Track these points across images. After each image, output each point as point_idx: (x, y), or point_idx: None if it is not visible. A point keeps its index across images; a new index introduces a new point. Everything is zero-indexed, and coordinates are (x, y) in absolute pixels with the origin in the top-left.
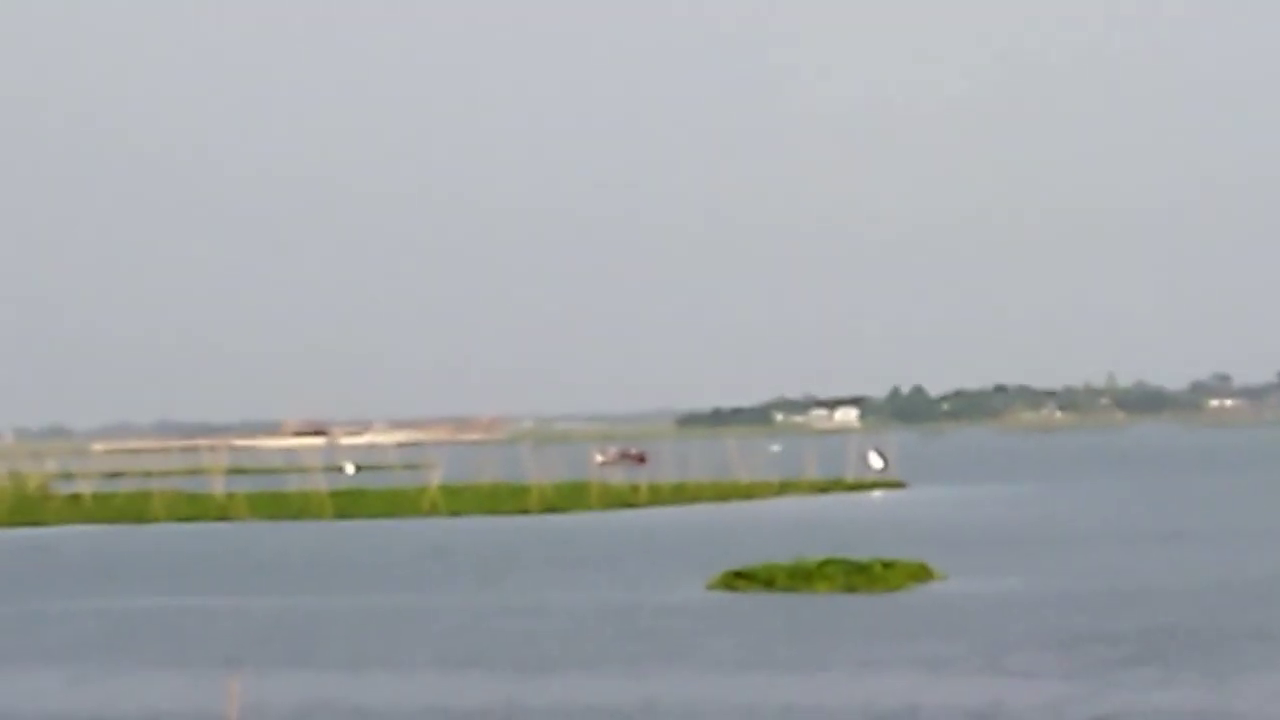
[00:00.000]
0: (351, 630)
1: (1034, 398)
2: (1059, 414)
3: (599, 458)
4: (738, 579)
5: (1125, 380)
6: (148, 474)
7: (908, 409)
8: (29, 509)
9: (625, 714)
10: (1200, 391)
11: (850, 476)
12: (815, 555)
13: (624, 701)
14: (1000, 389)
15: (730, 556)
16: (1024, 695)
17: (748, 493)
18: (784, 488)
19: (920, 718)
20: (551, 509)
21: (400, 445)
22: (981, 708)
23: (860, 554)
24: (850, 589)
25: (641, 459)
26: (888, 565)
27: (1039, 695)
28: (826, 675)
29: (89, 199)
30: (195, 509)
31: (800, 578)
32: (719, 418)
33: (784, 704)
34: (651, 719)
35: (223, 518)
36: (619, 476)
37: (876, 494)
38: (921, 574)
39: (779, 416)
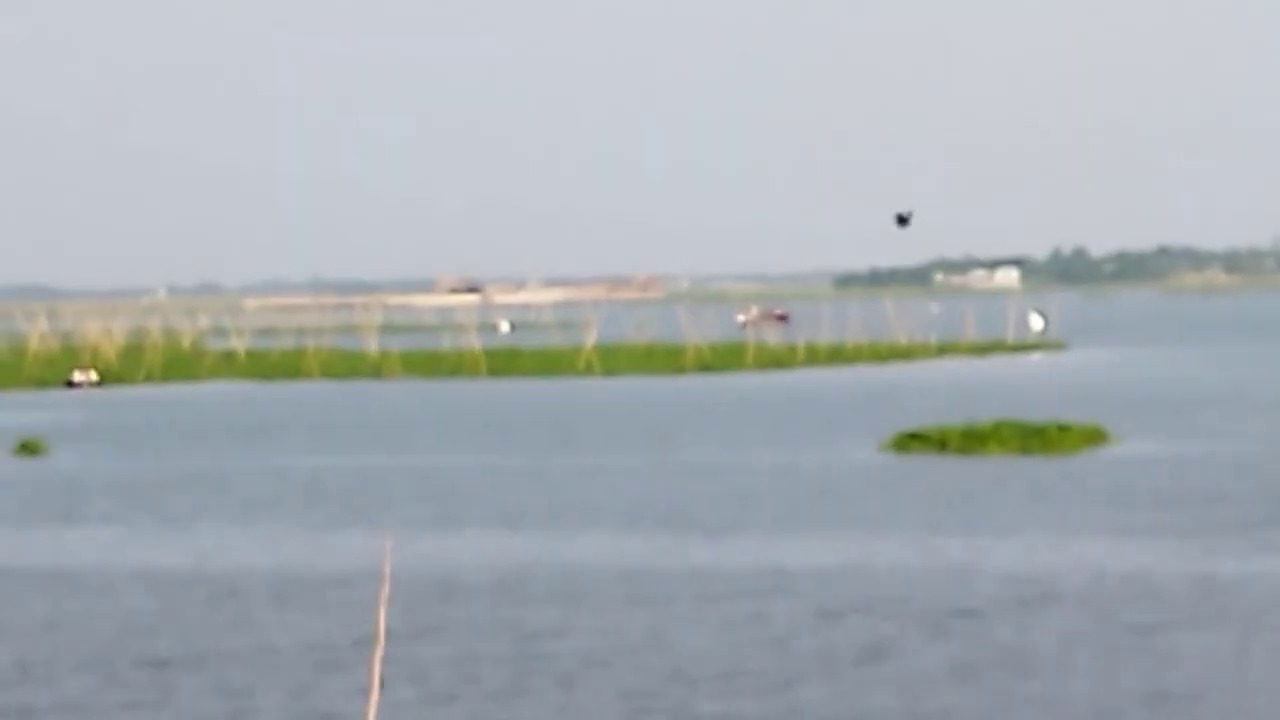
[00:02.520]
0: (519, 489)
1: (1198, 259)
2: (1223, 276)
3: (740, 317)
4: (911, 441)
5: None
6: (301, 331)
7: (1069, 270)
8: (182, 365)
9: (821, 575)
10: None
11: (1010, 338)
12: (980, 417)
13: (815, 563)
14: (1164, 250)
15: (895, 418)
16: (1217, 558)
17: (906, 354)
18: (943, 349)
19: (1111, 582)
20: (707, 369)
21: (555, 304)
22: (1173, 570)
23: (1024, 416)
24: (1025, 451)
25: (784, 318)
26: (1063, 428)
27: (1234, 558)
28: (1017, 540)
29: (245, 60)
30: (349, 367)
31: (974, 440)
32: (877, 278)
33: (990, 568)
34: (845, 581)
35: (376, 376)
36: (761, 336)
37: (1036, 356)
38: (1096, 437)
39: (938, 277)
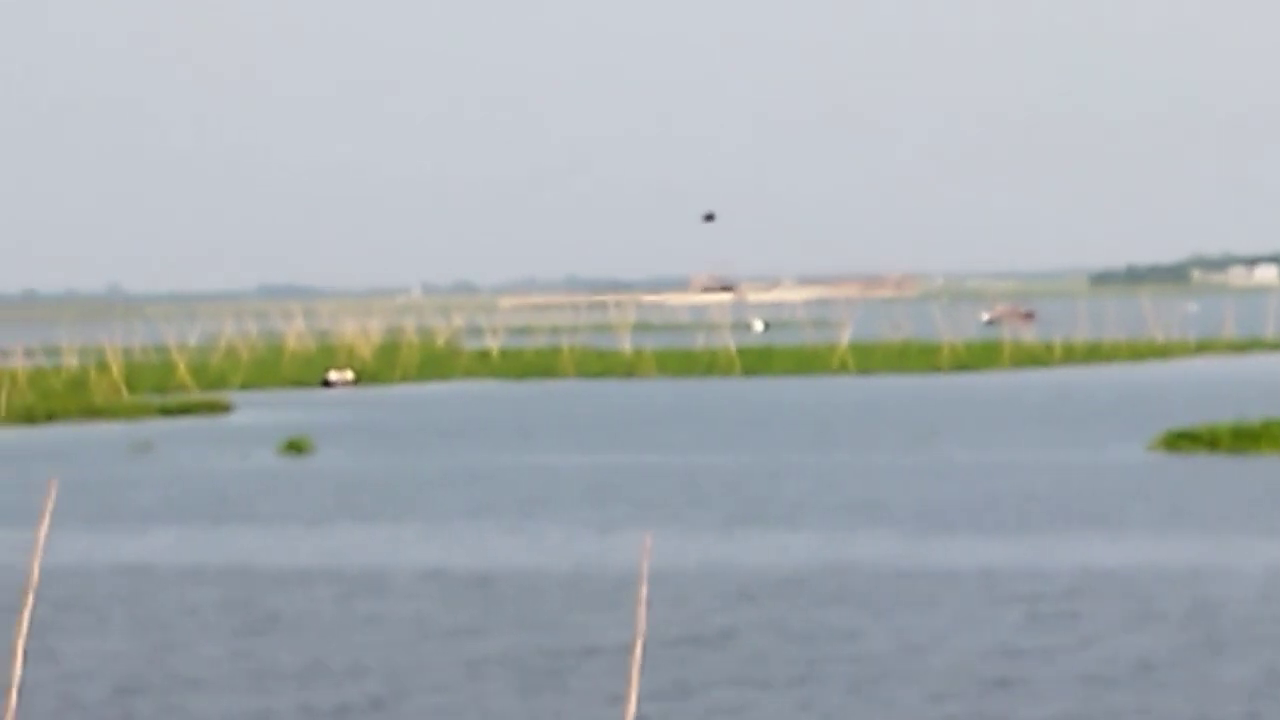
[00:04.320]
0: (792, 489)
1: None
2: None
3: (984, 315)
4: (1180, 440)
5: None
6: (555, 330)
7: None
8: (438, 364)
9: (1114, 576)
10: None
11: (1271, 336)
12: (1247, 416)
13: (1106, 564)
14: None
15: (1158, 417)
16: None
17: (1163, 352)
18: (1201, 347)
19: None
20: (962, 367)
21: (809, 302)
22: None
23: None
24: None
25: (1030, 316)
26: None
27: None
28: None
29: (504, 61)
30: (603, 365)
31: (1245, 439)
32: (1133, 275)
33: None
34: (1140, 583)
35: (630, 375)
36: (1012, 334)
37: None
38: None
39: (1196, 274)
